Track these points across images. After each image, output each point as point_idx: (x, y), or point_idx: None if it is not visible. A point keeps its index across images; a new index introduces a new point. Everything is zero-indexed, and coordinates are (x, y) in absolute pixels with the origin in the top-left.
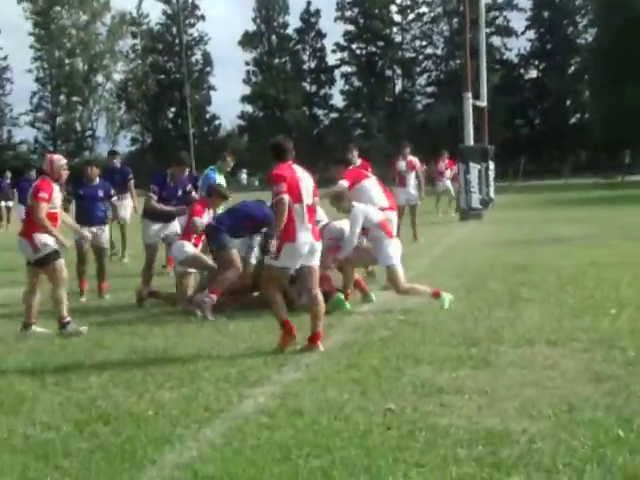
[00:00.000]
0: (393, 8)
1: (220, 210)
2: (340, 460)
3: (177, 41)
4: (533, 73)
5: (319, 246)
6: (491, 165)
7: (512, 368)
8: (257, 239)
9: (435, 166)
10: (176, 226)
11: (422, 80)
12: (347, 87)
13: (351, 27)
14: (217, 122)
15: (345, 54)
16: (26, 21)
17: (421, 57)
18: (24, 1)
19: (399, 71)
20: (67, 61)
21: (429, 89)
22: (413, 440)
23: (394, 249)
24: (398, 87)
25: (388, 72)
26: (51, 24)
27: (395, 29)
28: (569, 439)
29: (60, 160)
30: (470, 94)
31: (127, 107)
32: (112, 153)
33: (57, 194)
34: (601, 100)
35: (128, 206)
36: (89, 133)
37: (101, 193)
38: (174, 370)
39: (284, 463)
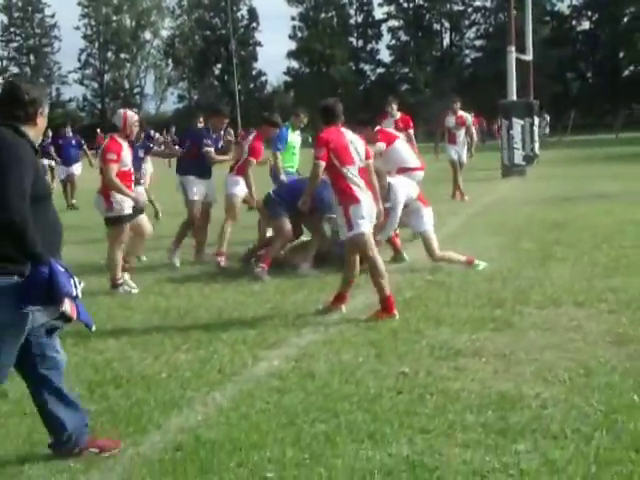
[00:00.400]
0: None
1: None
2: (345, 425)
3: None
4: (585, 25)
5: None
6: (535, 120)
7: (534, 330)
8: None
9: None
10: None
11: (470, 34)
12: (394, 42)
13: None
14: (263, 78)
15: (392, 8)
16: None
17: (470, 10)
18: None
19: (447, 25)
20: (114, 18)
21: (477, 43)
22: (422, 405)
23: (428, 216)
24: (446, 41)
25: (436, 26)
26: None
27: None
28: (582, 404)
29: (133, 117)
30: (513, 48)
31: (174, 64)
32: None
33: (126, 152)
34: None
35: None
36: (137, 90)
37: (141, 153)
38: (193, 331)
39: (289, 428)
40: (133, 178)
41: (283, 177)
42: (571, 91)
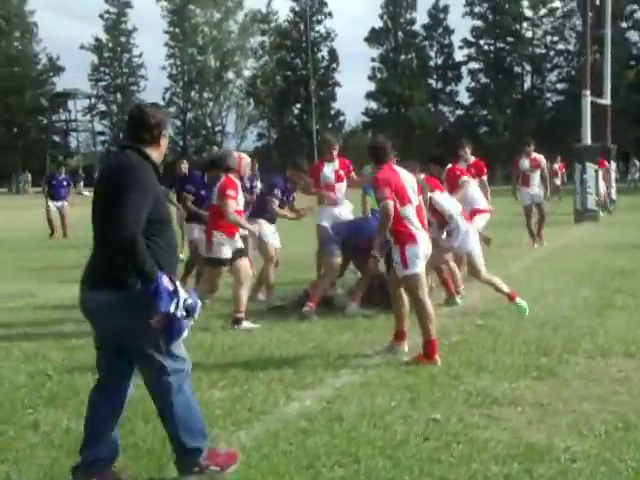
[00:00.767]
0: (524, 3)
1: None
2: (365, 470)
3: (304, 38)
4: None
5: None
6: (612, 165)
7: (578, 380)
8: None
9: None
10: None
11: (552, 77)
12: (473, 84)
13: (480, 23)
14: (341, 118)
15: (472, 50)
16: (162, 19)
17: (552, 53)
18: (162, 0)
19: (528, 67)
20: (199, 58)
21: (559, 86)
22: (447, 453)
23: (472, 235)
24: (527, 84)
25: (517, 68)
26: (185, 22)
27: (525, 24)
28: (614, 460)
29: (246, 158)
30: (588, 92)
31: (255, 103)
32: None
33: (241, 192)
34: None
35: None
36: (219, 129)
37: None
38: (232, 368)
39: (307, 471)
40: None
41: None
42: None
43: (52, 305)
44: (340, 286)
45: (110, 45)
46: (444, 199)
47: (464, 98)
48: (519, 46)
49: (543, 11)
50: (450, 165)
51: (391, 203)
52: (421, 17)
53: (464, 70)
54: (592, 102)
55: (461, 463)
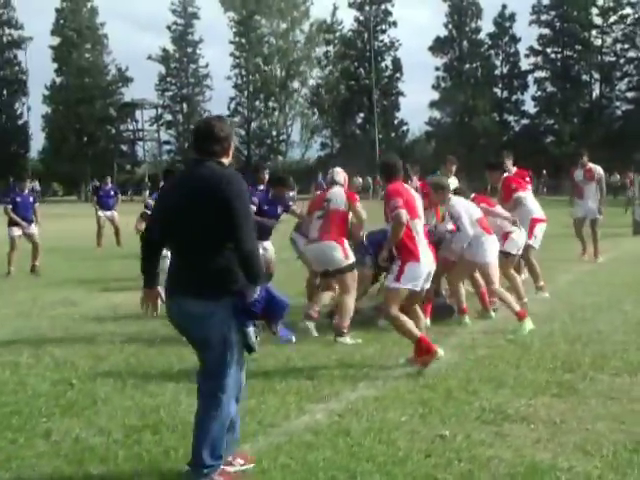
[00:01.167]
0: (594, 10)
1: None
2: None
3: (368, 47)
4: None
5: (434, 268)
6: None
7: (597, 398)
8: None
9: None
10: None
11: (622, 85)
12: (539, 93)
13: (547, 31)
14: (405, 128)
15: (539, 59)
16: (230, 30)
17: (622, 61)
18: (229, 11)
19: (597, 76)
20: (264, 68)
21: (630, 95)
22: (446, 471)
23: (490, 245)
24: (595, 93)
25: (585, 77)
26: (251, 32)
27: (594, 32)
28: None
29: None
30: None
31: (319, 112)
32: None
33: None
34: None
35: None
36: (283, 138)
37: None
38: (252, 380)
39: None
40: None
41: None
42: None
43: (90, 314)
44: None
45: (177, 56)
46: (460, 204)
47: (530, 107)
48: (587, 54)
49: (613, 18)
50: (506, 174)
51: (404, 212)
52: (487, 25)
53: (530, 79)
54: None
55: None
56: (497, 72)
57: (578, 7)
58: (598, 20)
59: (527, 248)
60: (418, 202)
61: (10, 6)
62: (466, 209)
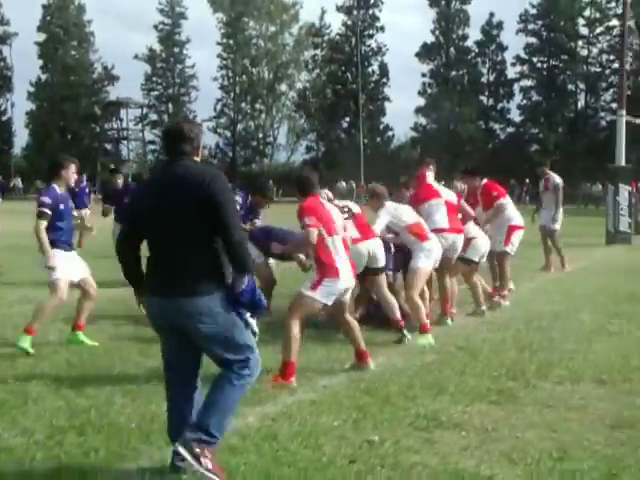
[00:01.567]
0: (580, 21)
1: None
2: None
3: (355, 52)
4: None
5: (353, 284)
6: None
7: (534, 406)
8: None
9: None
10: None
11: (607, 96)
12: (525, 101)
13: (533, 40)
14: (390, 133)
15: (525, 67)
16: (218, 31)
17: (607, 72)
18: (219, 12)
19: (582, 86)
20: (252, 70)
21: (614, 105)
22: (368, 477)
23: (421, 253)
24: (580, 103)
25: (570, 87)
26: (238, 34)
27: (580, 42)
28: None
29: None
30: (624, 111)
31: (305, 116)
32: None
33: None
34: None
35: None
36: (269, 140)
37: None
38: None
39: None
40: None
41: None
42: None
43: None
44: None
45: (163, 55)
46: (388, 208)
47: (515, 115)
48: (573, 64)
49: (599, 29)
50: (486, 180)
51: (315, 231)
52: (474, 33)
53: (516, 87)
54: (630, 123)
55: None
56: (483, 80)
57: (565, 17)
58: (584, 31)
59: (503, 254)
60: (337, 217)
61: None
62: (394, 214)
